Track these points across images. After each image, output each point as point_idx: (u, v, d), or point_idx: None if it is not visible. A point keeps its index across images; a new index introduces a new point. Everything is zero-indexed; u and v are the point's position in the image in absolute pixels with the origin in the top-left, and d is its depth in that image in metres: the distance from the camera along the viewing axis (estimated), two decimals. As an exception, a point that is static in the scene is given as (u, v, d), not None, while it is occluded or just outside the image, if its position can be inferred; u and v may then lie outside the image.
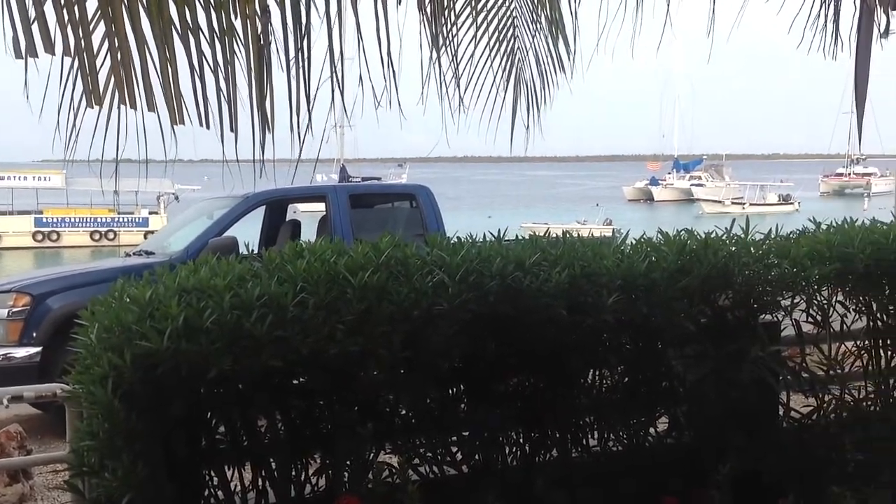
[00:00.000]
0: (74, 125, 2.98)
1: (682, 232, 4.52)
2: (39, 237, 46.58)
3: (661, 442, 4.58)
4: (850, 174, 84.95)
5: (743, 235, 4.52)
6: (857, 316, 5.00)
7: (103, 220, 47.13)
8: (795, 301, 4.67)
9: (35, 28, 2.67)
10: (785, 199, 67.27)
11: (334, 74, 3.12)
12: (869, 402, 4.91)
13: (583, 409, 4.42)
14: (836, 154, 75.75)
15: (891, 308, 4.96)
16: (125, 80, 2.95)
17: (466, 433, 4.18)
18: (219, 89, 3.01)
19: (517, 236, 4.73)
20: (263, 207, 10.83)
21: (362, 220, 10.16)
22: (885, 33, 4.89)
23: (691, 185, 77.12)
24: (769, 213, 53.84)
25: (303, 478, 3.98)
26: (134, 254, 10.28)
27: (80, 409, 3.54)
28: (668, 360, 4.49)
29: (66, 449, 3.87)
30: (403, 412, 4.12)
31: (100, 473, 3.33)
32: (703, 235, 4.44)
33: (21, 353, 8.24)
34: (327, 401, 3.93)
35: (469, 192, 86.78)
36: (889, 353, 5.03)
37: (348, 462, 3.94)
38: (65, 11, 2.84)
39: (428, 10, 3.38)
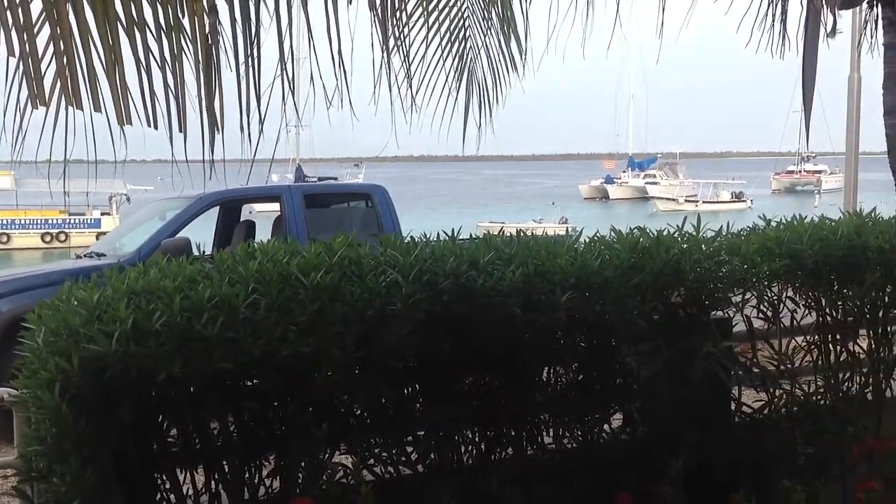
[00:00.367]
0: (21, 126, 2.93)
1: (635, 230, 4.56)
2: (-11, 240, 45.77)
3: (615, 438, 4.61)
4: (800, 172, 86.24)
5: (694, 233, 4.56)
6: (806, 311, 5.07)
7: (54, 221, 46.39)
8: (746, 297, 4.72)
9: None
10: (738, 197, 68.12)
11: (284, 74, 3.10)
12: (819, 397, 4.98)
13: (538, 407, 4.43)
14: (787, 152, 77.00)
15: (839, 303, 5.04)
16: (70, 81, 2.91)
17: (422, 433, 4.18)
18: (166, 86, 2.98)
19: (471, 235, 4.74)
20: (217, 208, 10.73)
21: (317, 220, 10.12)
22: (832, 33, 4.97)
23: (646, 183, 77.80)
24: (722, 210, 54.47)
25: (256, 480, 3.95)
26: (85, 255, 10.14)
27: (28, 414, 3.48)
28: (622, 356, 4.52)
29: (14, 454, 3.80)
30: (358, 412, 4.11)
31: (48, 478, 3.28)
32: (656, 233, 4.48)
33: (-32, 357, 8.09)
34: (281, 402, 3.90)
35: (426, 192, 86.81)
36: (838, 347, 5.11)
37: (302, 463, 3.92)
38: (8, 14, 2.79)
39: (379, 10, 3.36)
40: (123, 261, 8.36)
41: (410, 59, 4.59)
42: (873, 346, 5.19)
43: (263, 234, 10.85)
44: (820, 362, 5.08)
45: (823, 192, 66.67)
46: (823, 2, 4.39)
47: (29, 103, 2.91)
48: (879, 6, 4.93)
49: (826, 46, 4.94)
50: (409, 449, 4.17)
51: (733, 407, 4.80)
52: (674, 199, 65.23)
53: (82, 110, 2.92)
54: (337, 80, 3.23)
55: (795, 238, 4.76)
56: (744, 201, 64.89)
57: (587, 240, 4.48)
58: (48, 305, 3.45)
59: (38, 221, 46.49)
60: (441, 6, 5.03)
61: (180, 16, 2.95)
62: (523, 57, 5.07)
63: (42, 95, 2.85)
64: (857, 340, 5.17)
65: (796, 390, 4.94)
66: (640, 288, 4.16)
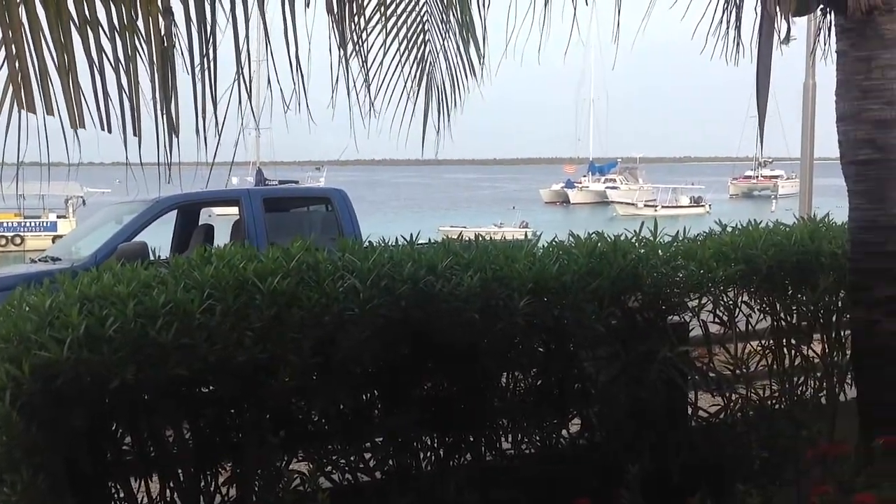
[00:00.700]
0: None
1: (593, 235, 4.58)
2: (-58, 244, 44.88)
3: (573, 443, 4.62)
4: (757, 177, 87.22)
5: (652, 238, 4.59)
6: (761, 316, 5.13)
7: (9, 224, 45.56)
8: (703, 302, 4.77)
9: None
10: (696, 202, 68.74)
11: (241, 77, 3.07)
12: (773, 401, 5.04)
13: (496, 413, 4.44)
14: (744, 157, 77.87)
15: (793, 308, 5.11)
16: (23, 84, 2.86)
17: (380, 439, 4.16)
18: (120, 87, 2.94)
19: (429, 240, 4.73)
20: (175, 212, 10.62)
21: (277, 224, 10.05)
22: (786, 40, 5.03)
23: (606, 187, 78.25)
24: (681, 214, 54.99)
25: (213, 488, 3.90)
26: (39, 260, 9.98)
27: (-23, 423, 3.41)
28: (580, 361, 4.54)
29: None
30: (316, 419, 4.08)
31: (-2, 488, 3.22)
32: (613, 238, 4.50)
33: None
34: (237, 409, 3.87)
35: (388, 195, 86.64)
36: (792, 352, 5.17)
37: (259, 471, 3.88)
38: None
39: (337, 13, 3.34)
40: (79, 265, 8.22)
41: (369, 63, 4.57)
42: (827, 350, 5.26)
43: (223, 237, 10.76)
44: (775, 367, 5.14)
45: (780, 198, 67.59)
46: (777, 9, 4.44)
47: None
48: (832, 13, 5.01)
49: (780, 53, 5.01)
50: (368, 455, 4.15)
51: (690, 411, 4.83)
52: (633, 204, 65.65)
53: (34, 113, 2.87)
54: (294, 83, 3.21)
55: (750, 243, 4.82)
56: (702, 206, 65.46)
57: (546, 245, 4.49)
58: (-1, 311, 3.39)
59: (-8, 225, 45.69)
60: (399, 11, 5.02)
61: (134, 16, 2.91)
62: (482, 61, 5.08)
63: (-8, 98, 2.80)
64: (811, 345, 5.24)
65: (752, 395, 4.99)
66: (598, 293, 4.18)
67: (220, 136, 3.09)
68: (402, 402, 4.20)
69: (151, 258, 5.30)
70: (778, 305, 5.08)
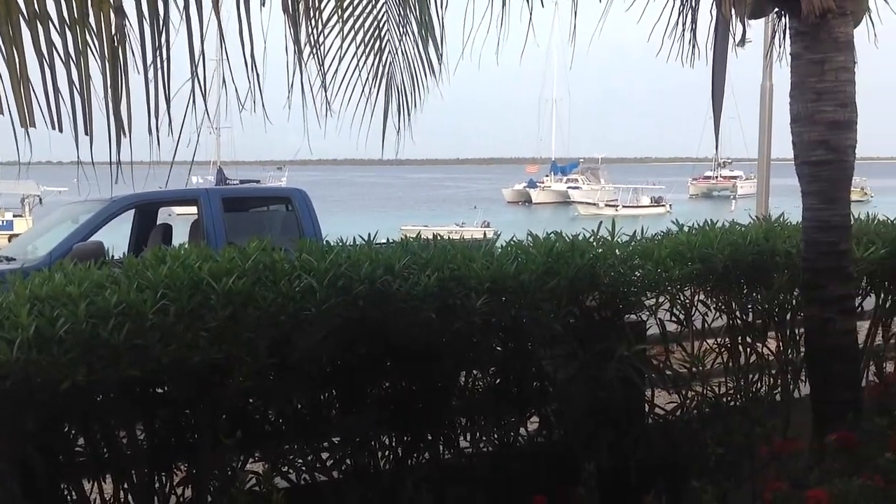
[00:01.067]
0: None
1: (552, 234, 4.59)
2: None
3: (531, 441, 4.64)
4: (717, 177, 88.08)
5: (609, 237, 4.62)
6: (717, 314, 5.18)
7: (-36, 224, 44.80)
8: (660, 301, 4.80)
9: None
10: (657, 202, 69.25)
11: (195, 75, 3.04)
12: (729, 398, 5.09)
13: (455, 411, 4.44)
14: (704, 158, 78.47)
15: (749, 306, 5.17)
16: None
17: (338, 438, 4.14)
18: (71, 84, 2.90)
19: (387, 239, 4.72)
20: (133, 211, 10.50)
21: (236, 224, 9.97)
22: (742, 42, 5.09)
23: (568, 187, 78.57)
24: (642, 214, 55.35)
25: (167, 489, 3.87)
26: (-7, 259, 9.81)
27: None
28: (538, 360, 4.55)
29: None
30: (273, 419, 4.06)
31: (-54, 493, 3.16)
32: (571, 238, 4.52)
33: None
34: (193, 409, 3.83)
35: (350, 195, 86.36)
36: (748, 349, 5.23)
37: (215, 471, 3.85)
38: None
39: (293, 12, 3.32)
40: (33, 265, 8.12)
41: (326, 63, 4.55)
42: (781, 347, 5.33)
43: (182, 237, 10.66)
44: (730, 364, 5.20)
45: (739, 198, 68.28)
46: (732, 12, 4.49)
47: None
48: (787, 16, 5.07)
49: (735, 55, 5.07)
50: (325, 455, 4.13)
51: (647, 409, 4.87)
52: (594, 204, 65.99)
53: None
54: (250, 82, 3.18)
55: (707, 243, 4.87)
56: (663, 206, 65.93)
57: (504, 244, 4.50)
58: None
59: (-52, 224, 44.86)
60: (358, 11, 5.00)
61: (85, 11, 2.86)
62: (441, 61, 5.08)
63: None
64: (766, 342, 5.31)
65: (707, 392, 5.04)
66: (556, 292, 4.20)
67: (178, 135, 3.05)
68: (360, 402, 4.19)
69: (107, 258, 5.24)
70: (734, 304, 5.14)
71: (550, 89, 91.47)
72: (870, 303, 5.84)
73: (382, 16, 5.09)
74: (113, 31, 2.88)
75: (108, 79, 2.88)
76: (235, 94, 3.08)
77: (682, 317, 5.01)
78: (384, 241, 4.67)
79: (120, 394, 3.53)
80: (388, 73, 5.36)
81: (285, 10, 3.27)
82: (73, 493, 3.70)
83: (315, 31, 4.19)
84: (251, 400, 3.95)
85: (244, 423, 3.91)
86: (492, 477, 4.34)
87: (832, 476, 4.08)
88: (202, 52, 3.01)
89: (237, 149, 61.41)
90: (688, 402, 4.96)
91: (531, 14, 4.36)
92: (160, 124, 3.02)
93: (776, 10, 5.19)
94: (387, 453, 4.30)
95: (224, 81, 3.12)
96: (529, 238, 4.59)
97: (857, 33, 5.08)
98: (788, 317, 5.30)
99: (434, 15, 4.78)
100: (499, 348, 4.44)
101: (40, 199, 44.62)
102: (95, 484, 3.79)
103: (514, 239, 4.64)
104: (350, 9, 4.79)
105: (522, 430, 4.62)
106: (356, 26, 4.94)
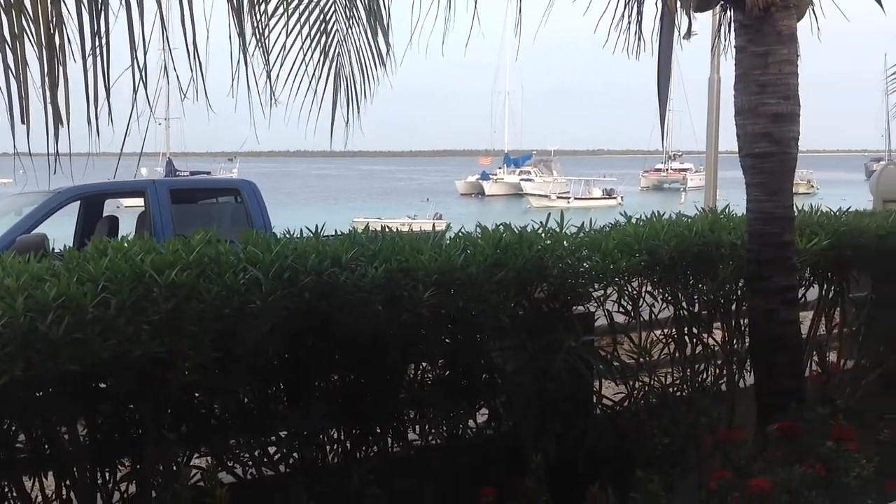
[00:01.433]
0: None
1: (500, 226, 4.59)
2: None
3: (481, 433, 4.64)
4: (667, 170, 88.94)
5: (558, 229, 4.63)
6: (664, 305, 5.22)
7: None
8: (607, 292, 4.83)
9: None
10: (608, 194, 69.71)
11: (135, 63, 2.98)
12: (675, 388, 5.14)
13: (403, 404, 4.42)
14: (655, 150, 79.17)
15: (695, 297, 5.22)
16: None
17: (285, 432, 4.11)
18: (7, 69, 2.82)
19: (336, 231, 4.68)
20: (78, 203, 10.33)
21: (184, 216, 9.83)
22: (687, 35, 5.13)
23: (521, 179, 78.81)
24: (594, 206, 55.70)
25: (111, 485, 3.80)
26: (-67, 252, 9.58)
27: None
28: (487, 352, 4.55)
29: None
30: (219, 413, 4.01)
31: None
32: (519, 229, 4.52)
33: None
34: (136, 404, 3.77)
35: (303, 187, 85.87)
36: (694, 340, 5.28)
37: (160, 467, 3.80)
38: None
39: (236, 1, 3.27)
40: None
41: (274, 52, 4.50)
42: (727, 338, 5.39)
43: (129, 230, 10.51)
44: (677, 355, 5.24)
45: (689, 190, 68.92)
46: (677, 4, 4.52)
47: None
48: (732, 9, 5.12)
49: (680, 48, 5.12)
50: (272, 449, 4.10)
51: (595, 400, 4.90)
52: (546, 196, 66.27)
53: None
54: (192, 71, 3.13)
55: (653, 234, 4.90)
56: (614, 198, 66.39)
57: (452, 235, 4.49)
58: None
59: None
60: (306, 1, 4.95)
61: None
62: (389, 51, 5.05)
63: None
64: (712, 333, 5.36)
65: (654, 382, 5.08)
66: (504, 284, 4.20)
67: (127, 126, 2.99)
68: (308, 395, 4.16)
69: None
70: (680, 295, 5.18)
71: (503, 81, 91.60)
72: (813, 294, 5.94)
73: (330, 5, 5.05)
74: (49, 14, 2.81)
75: (45, 66, 2.81)
76: (178, 83, 3.02)
77: (629, 308, 5.05)
78: (333, 232, 4.63)
79: (60, 389, 3.46)
80: (336, 62, 5.31)
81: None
82: (14, 491, 3.63)
83: (261, 20, 4.14)
84: (196, 394, 3.90)
85: (189, 418, 3.86)
86: (441, 469, 4.33)
87: (775, 465, 4.14)
88: (143, 39, 2.96)
89: (187, 140, 60.57)
90: (635, 392, 5.00)
91: (476, 4, 4.35)
92: (100, 113, 2.96)
93: (721, 2, 5.24)
94: (335, 447, 4.27)
95: (166, 70, 3.07)
96: (478, 230, 4.58)
97: (801, 27, 5.15)
98: (733, 307, 5.37)
99: (382, 4, 4.75)
100: (447, 340, 4.43)
101: (-17, 191, 43.69)
102: (37, 481, 3.71)
103: (463, 231, 4.64)
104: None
105: (472, 423, 4.62)
106: (303, 15, 4.89)
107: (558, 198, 65.26)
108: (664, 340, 5.23)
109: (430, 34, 4.43)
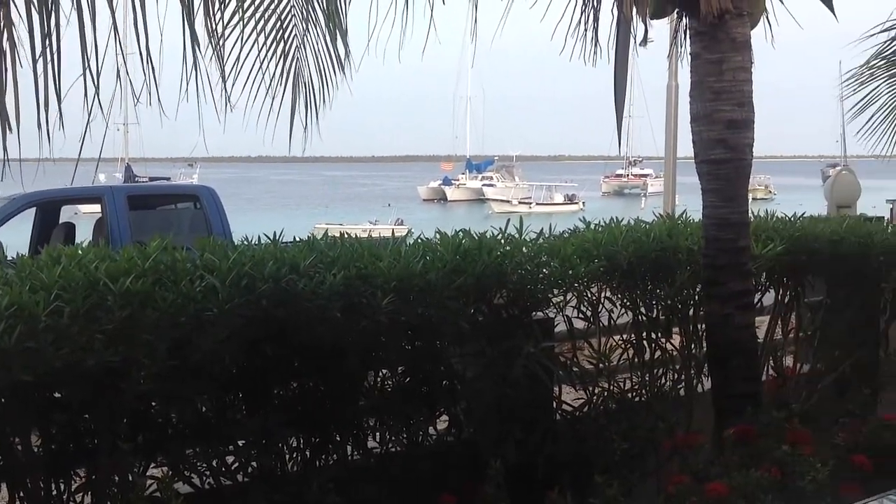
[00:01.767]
0: None
1: (460, 232, 4.59)
2: None
3: (441, 440, 4.63)
4: (628, 175, 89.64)
5: (517, 235, 4.64)
6: (623, 311, 5.25)
7: None
8: (567, 298, 4.85)
9: None
10: (570, 199, 70.05)
11: (87, 68, 2.94)
12: (634, 394, 5.17)
13: (364, 411, 4.40)
14: (616, 156, 79.69)
15: (653, 302, 5.25)
16: None
17: (243, 441, 4.07)
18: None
19: (294, 238, 4.65)
20: (34, 210, 10.18)
21: (142, 222, 9.73)
22: (644, 42, 5.17)
23: (483, 185, 78.97)
24: (556, 212, 56.00)
25: (66, 496, 3.74)
26: None
27: None
28: (447, 358, 4.54)
29: None
30: (176, 422, 3.96)
31: None
32: (479, 235, 4.53)
33: None
34: (91, 414, 3.71)
35: (264, 193, 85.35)
36: (652, 345, 5.31)
37: (115, 477, 3.74)
38: None
39: (188, 4, 3.24)
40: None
41: (228, 58, 4.47)
42: (685, 343, 5.43)
43: (86, 237, 10.38)
44: (636, 360, 5.27)
45: (650, 195, 69.49)
46: (633, 12, 4.55)
47: None
48: (687, 17, 5.17)
49: (636, 55, 5.15)
50: (230, 458, 4.06)
51: (555, 405, 4.91)
52: (508, 201, 66.45)
53: None
54: (146, 76, 3.10)
55: (612, 240, 4.93)
56: (576, 203, 66.70)
57: (411, 242, 4.49)
58: None
59: None
60: (264, 6, 4.92)
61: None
62: (349, 55, 5.03)
63: None
64: (670, 338, 5.40)
65: (613, 388, 5.11)
66: (463, 290, 4.20)
67: (84, 131, 2.95)
68: (267, 403, 4.12)
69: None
70: (638, 300, 5.21)
71: (465, 86, 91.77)
72: (770, 298, 6.00)
73: (288, 10, 5.02)
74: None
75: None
76: (130, 87, 2.99)
77: (588, 313, 5.07)
78: (292, 239, 4.61)
79: (13, 399, 3.40)
80: (295, 67, 5.29)
81: (183, 3, 3.19)
82: (-36, 503, 3.56)
83: (217, 25, 4.10)
84: (153, 403, 3.85)
85: (145, 427, 3.81)
86: (401, 476, 4.32)
87: (732, 469, 4.18)
88: (95, 42, 2.92)
89: (147, 145, 60.02)
90: (594, 397, 5.03)
91: (432, 11, 4.36)
92: (52, 118, 2.92)
93: (677, 10, 5.28)
94: (294, 455, 4.24)
95: (118, 74, 3.04)
96: (437, 236, 4.58)
97: (756, 34, 5.21)
98: (691, 313, 5.41)
99: (340, 7, 4.73)
100: (407, 347, 4.42)
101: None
102: (-12, 492, 3.65)
103: (423, 237, 4.63)
104: (252, 2, 4.70)
105: (432, 429, 4.61)
106: (259, 22, 4.85)
107: (520, 203, 65.44)
108: (623, 346, 5.25)
109: (387, 40, 4.42)
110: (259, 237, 4.31)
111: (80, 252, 3.69)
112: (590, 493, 4.18)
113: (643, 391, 5.23)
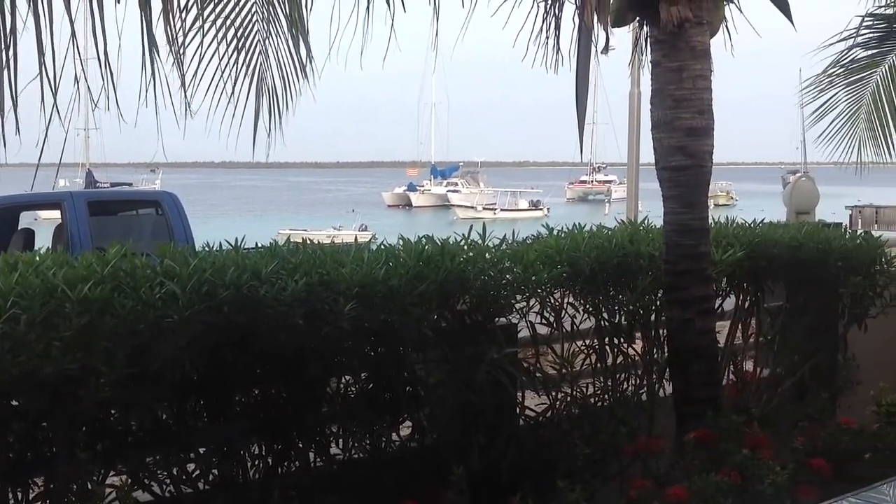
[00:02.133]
0: None
1: (422, 238, 4.60)
2: None
3: (404, 446, 4.63)
4: (592, 182, 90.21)
5: (480, 241, 4.65)
6: (586, 316, 5.28)
7: None
8: (530, 304, 4.86)
9: None
10: (535, 205, 70.38)
11: (44, 72, 2.91)
12: (596, 399, 5.20)
13: (326, 418, 4.39)
14: (580, 162, 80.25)
15: (615, 308, 5.28)
16: None
17: (204, 449, 4.04)
18: None
19: (256, 244, 4.63)
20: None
21: (103, 228, 9.66)
22: (605, 50, 5.21)
23: (448, 191, 79.10)
24: (521, 218, 56.15)
25: (22, 505, 3.69)
26: None
27: None
28: (410, 364, 4.54)
29: None
30: (135, 430, 3.92)
31: None
32: (441, 241, 4.53)
33: None
34: (49, 422, 3.67)
35: (228, 199, 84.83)
36: (615, 350, 5.35)
37: (74, 485, 3.70)
38: None
39: (149, 10, 3.22)
40: None
41: (189, 64, 4.44)
42: (646, 348, 5.47)
43: (46, 243, 10.26)
44: (598, 365, 5.30)
45: (614, 201, 70.00)
46: (595, 20, 4.59)
47: None
48: (647, 25, 5.22)
49: (597, 62, 5.19)
50: (191, 466, 4.02)
51: (518, 411, 4.92)
52: (473, 207, 66.60)
53: None
54: (104, 81, 3.07)
55: (574, 246, 4.96)
56: (541, 209, 67.02)
57: (373, 248, 4.49)
58: None
59: None
60: (227, 11, 4.89)
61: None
62: (311, 61, 5.01)
63: None
64: (633, 343, 5.44)
65: (576, 393, 5.13)
66: (425, 296, 4.20)
67: (44, 136, 2.92)
68: (229, 410, 4.10)
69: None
70: (601, 306, 5.24)
71: (429, 93, 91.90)
72: (730, 304, 6.06)
73: (251, 16, 5.00)
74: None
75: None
76: (89, 93, 2.96)
77: (551, 319, 5.09)
78: (254, 245, 4.58)
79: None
80: (258, 73, 5.26)
81: (142, 6, 3.17)
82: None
83: (178, 32, 4.07)
84: (112, 411, 3.81)
85: (104, 435, 3.77)
86: (363, 483, 4.31)
87: (692, 473, 4.22)
88: (52, 47, 2.89)
89: (108, 150, 59.30)
90: (557, 403, 5.05)
91: (393, 20, 4.37)
92: (7, 123, 2.89)
93: (638, 18, 5.33)
94: (256, 462, 4.21)
95: (76, 79, 3.01)
96: (400, 242, 4.58)
97: (715, 43, 5.27)
98: (653, 318, 5.45)
99: (304, 14, 4.72)
100: (370, 353, 4.41)
101: None
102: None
103: (385, 243, 4.63)
104: (214, 8, 4.67)
105: (395, 436, 4.60)
106: (220, 30, 4.83)
107: (485, 209, 65.64)
108: (586, 351, 5.28)
109: (349, 46, 4.41)
110: (220, 243, 4.28)
111: (37, 258, 3.65)
112: (552, 498, 4.20)
113: (606, 396, 5.26)
